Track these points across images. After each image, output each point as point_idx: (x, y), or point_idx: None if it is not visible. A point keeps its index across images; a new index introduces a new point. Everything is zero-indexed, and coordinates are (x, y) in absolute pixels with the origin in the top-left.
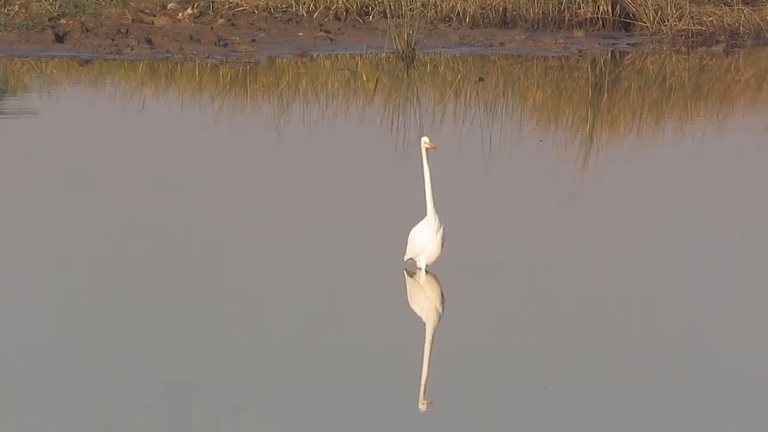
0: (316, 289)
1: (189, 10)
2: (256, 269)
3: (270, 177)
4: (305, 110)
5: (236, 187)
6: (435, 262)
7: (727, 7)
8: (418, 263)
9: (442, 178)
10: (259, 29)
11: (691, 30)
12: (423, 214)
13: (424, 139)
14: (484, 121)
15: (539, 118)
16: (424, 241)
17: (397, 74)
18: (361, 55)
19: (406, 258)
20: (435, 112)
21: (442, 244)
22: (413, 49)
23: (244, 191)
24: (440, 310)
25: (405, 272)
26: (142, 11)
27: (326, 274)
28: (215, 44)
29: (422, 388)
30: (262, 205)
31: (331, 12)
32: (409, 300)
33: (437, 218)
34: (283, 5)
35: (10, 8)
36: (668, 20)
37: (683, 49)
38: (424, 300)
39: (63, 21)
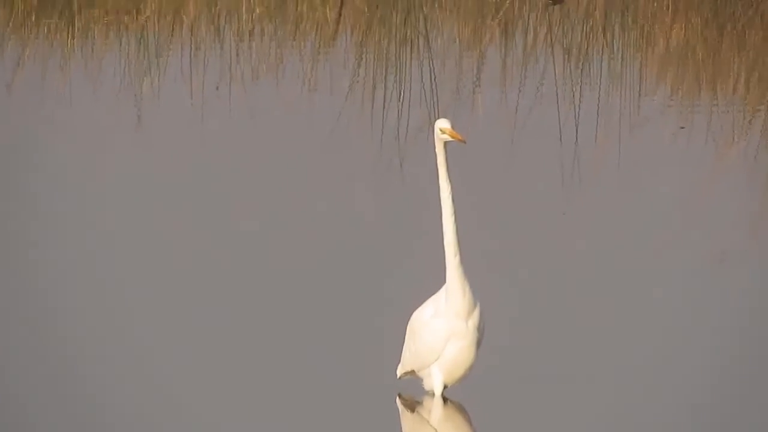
0: None
1: None
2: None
3: (123, 197)
4: (194, 63)
5: (51, 217)
6: (462, 379)
7: None
8: (427, 383)
9: (476, 204)
10: None
11: None
12: (435, 282)
13: (442, 125)
14: (564, 86)
15: (677, 82)
16: (442, 337)
17: None
18: None
19: (401, 372)
20: (462, 68)
21: (479, 344)
22: None
23: (67, 222)
24: None
25: (399, 403)
26: None
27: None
28: None
29: None
30: (104, 261)
31: None
32: None
33: (468, 289)
34: None
35: None
36: None
37: None
38: None
39: None
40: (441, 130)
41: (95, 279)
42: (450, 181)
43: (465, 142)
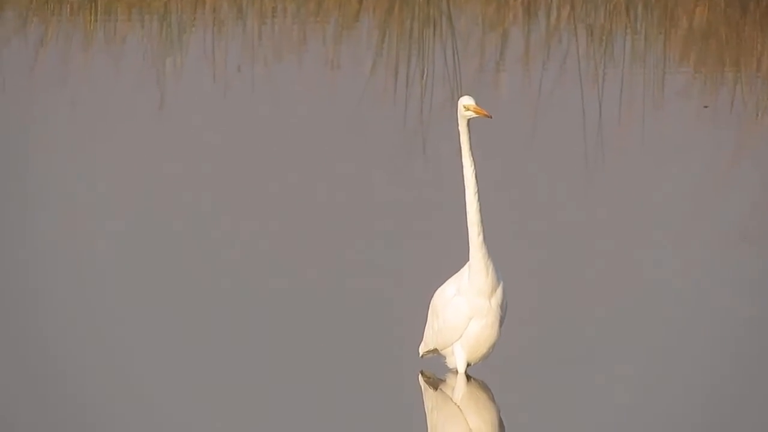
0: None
1: None
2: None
3: (145, 178)
4: (216, 43)
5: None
6: (485, 357)
7: None
8: (450, 361)
9: (500, 183)
10: None
11: None
12: (457, 260)
13: (465, 102)
14: (587, 65)
15: (700, 61)
16: (465, 316)
17: None
18: None
19: (423, 351)
20: (485, 47)
21: (502, 321)
22: None
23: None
24: None
25: (421, 380)
26: None
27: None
28: None
29: None
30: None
31: None
32: None
33: (491, 267)
34: None
35: None
36: None
37: None
38: None
39: None
40: (465, 107)
41: (112, 266)
42: (473, 159)
43: (490, 117)
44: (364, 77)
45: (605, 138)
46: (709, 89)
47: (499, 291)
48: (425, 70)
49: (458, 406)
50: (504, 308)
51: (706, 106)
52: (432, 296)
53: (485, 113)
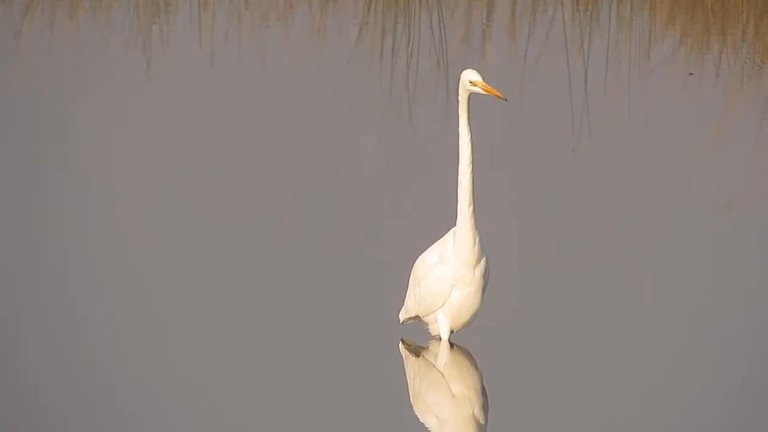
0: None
1: None
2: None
3: (132, 146)
4: (203, 10)
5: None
6: (467, 324)
7: None
8: (433, 328)
9: (486, 151)
10: None
11: None
12: (438, 227)
13: (472, 77)
14: (573, 33)
15: (686, 28)
16: (447, 283)
17: None
18: None
19: (404, 317)
20: (471, 15)
21: (484, 289)
22: None
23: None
24: (481, 421)
25: (402, 347)
26: None
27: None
28: None
29: None
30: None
31: None
32: (413, 406)
33: (478, 239)
34: None
35: None
36: None
37: None
38: (446, 404)
39: None
40: (471, 82)
41: (99, 234)
42: (471, 130)
43: (505, 100)
44: (351, 45)
45: (591, 106)
46: (694, 57)
47: (483, 261)
48: (411, 38)
49: (441, 373)
50: (486, 277)
51: (691, 74)
52: (413, 263)
53: (499, 94)
